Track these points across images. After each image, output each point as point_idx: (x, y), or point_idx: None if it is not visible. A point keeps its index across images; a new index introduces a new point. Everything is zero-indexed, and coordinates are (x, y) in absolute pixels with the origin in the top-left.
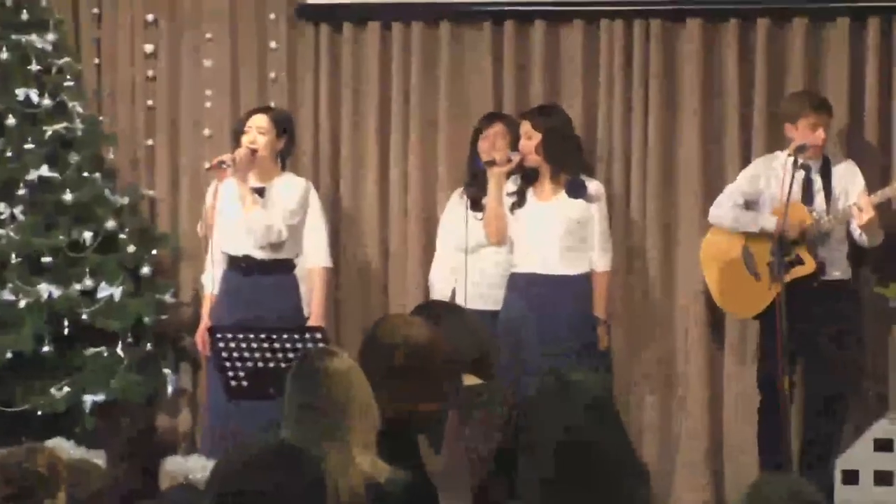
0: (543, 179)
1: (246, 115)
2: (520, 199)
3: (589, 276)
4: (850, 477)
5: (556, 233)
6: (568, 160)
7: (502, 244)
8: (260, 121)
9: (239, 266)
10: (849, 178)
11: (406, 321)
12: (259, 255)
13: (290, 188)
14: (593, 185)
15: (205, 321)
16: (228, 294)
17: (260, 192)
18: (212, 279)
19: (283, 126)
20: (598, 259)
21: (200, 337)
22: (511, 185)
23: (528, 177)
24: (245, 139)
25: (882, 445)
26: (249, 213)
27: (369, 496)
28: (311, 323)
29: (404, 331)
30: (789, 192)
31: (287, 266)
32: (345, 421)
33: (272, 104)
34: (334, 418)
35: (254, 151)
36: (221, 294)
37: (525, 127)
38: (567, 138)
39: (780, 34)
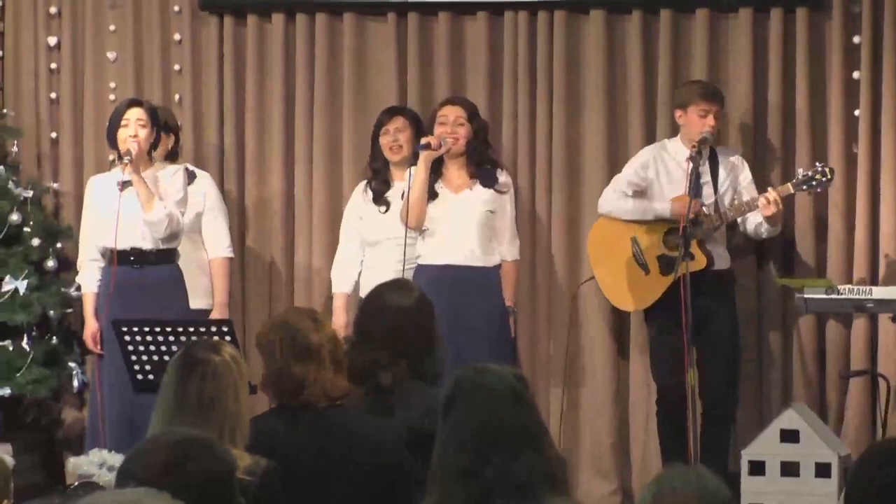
0: (455, 170)
1: (122, 109)
2: (431, 193)
3: (499, 267)
4: (757, 468)
5: (473, 223)
6: (487, 157)
7: (419, 229)
8: (139, 114)
9: (127, 259)
10: (736, 172)
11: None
12: (147, 246)
13: (169, 177)
14: (503, 176)
15: (90, 320)
16: (119, 288)
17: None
18: (92, 278)
19: (156, 117)
20: (507, 249)
21: (90, 336)
22: None
23: (436, 169)
24: (126, 133)
25: (788, 436)
26: (150, 207)
27: None
28: (214, 315)
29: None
30: (695, 185)
31: (173, 256)
32: (209, 417)
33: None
34: (199, 413)
35: (138, 144)
36: (111, 289)
37: (457, 111)
38: (486, 139)
39: (682, 25)
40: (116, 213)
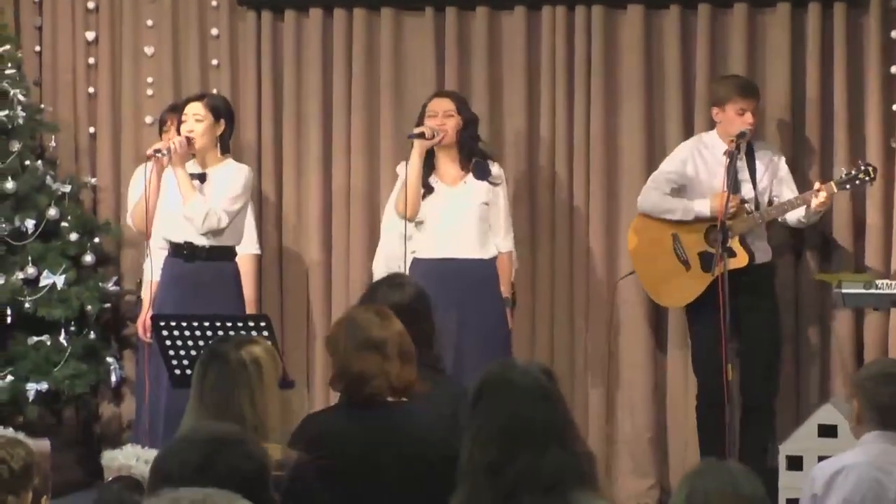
0: (449, 164)
1: (182, 104)
2: (427, 188)
3: (495, 260)
4: (795, 463)
5: (470, 216)
6: (477, 150)
7: (411, 219)
8: (195, 108)
9: (181, 253)
10: (774, 167)
11: None
12: (201, 241)
13: (233, 174)
14: (496, 168)
15: (146, 309)
16: (171, 281)
17: (202, 177)
18: (151, 266)
19: (220, 111)
20: (502, 241)
21: (142, 324)
22: None
23: (430, 164)
24: (183, 128)
25: (826, 431)
26: (189, 201)
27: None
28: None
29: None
30: (733, 181)
31: (229, 253)
32: (224, 415)
33: (214, 91)
34: (216, 411)
35: (190, 139)
36: (164, 281)
37: (446, 104)
38: (476, 132)
39: (720, 20)
40: (164, 204)
